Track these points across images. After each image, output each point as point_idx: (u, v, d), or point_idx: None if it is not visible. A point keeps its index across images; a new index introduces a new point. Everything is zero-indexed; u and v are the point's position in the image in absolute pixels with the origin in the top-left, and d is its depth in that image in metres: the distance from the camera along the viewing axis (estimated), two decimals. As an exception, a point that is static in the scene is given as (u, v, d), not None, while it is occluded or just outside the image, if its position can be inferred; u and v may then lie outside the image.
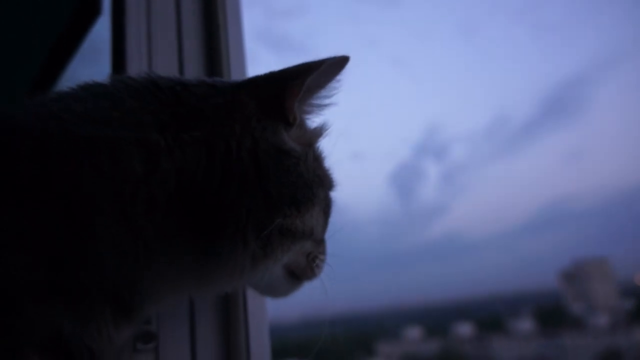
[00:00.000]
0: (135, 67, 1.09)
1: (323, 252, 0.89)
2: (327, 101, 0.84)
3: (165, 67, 1.12)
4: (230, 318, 0.93)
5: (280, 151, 0.75)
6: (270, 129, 0.74)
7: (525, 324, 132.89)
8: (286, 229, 0.74)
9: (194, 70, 1.16)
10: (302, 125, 0.83)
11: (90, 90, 0.73)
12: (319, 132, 0.85)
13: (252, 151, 0.72)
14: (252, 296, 0.97)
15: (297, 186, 0.75)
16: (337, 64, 0.80)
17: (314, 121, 0.86)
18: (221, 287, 0.81)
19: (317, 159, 0.84)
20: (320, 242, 0.88)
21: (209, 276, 0.74)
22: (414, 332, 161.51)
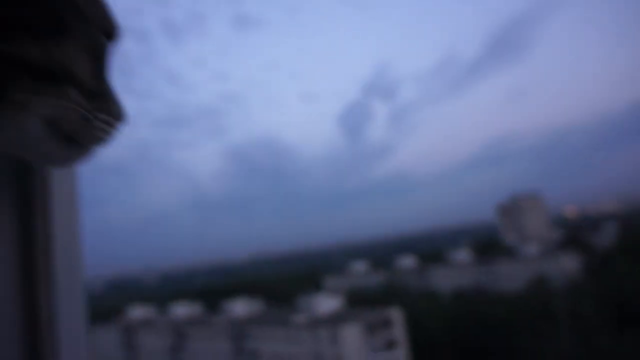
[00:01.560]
0: None
1: (104, 112, 0.66)
2: None
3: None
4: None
5: None
6: None
7: (463, 255, 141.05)
8: (21, 61, 0.53)
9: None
10: None
11: None
12: None
13: None
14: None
15: (33, 4, 0.55)
16: None
17: None
18: None
19: None
20: (98, 97, 0.66)
21: None
22: (359, 266, 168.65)
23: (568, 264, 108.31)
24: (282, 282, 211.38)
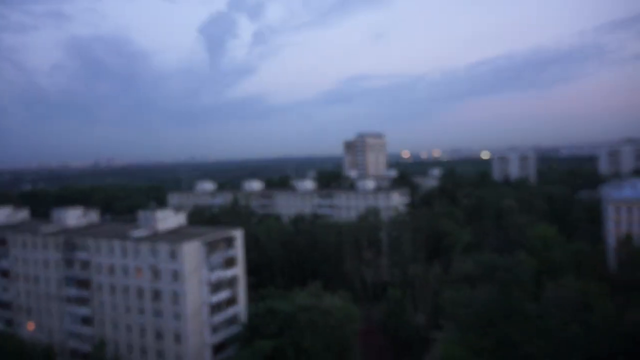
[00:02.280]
0: None
1: None
2: None
3: None
4: None
5: None
6: None
7: (308, 184, 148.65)
8: None
9: None
10: None
11: None
12: None
13: None
14: None
15: None
16: None
17: None
18: None
19: None
20: None
21: None
22: (206, 186, 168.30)
23: (397, 201, 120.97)
24: (123, 194, 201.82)
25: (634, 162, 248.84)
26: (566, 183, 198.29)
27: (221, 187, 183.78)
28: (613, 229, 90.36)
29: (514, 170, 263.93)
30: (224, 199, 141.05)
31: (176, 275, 55.66)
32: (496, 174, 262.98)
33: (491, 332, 45.41)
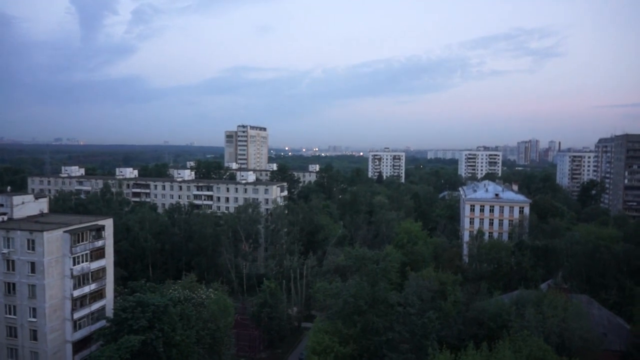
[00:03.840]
0: None
1: None
2: None
3: None
4: None
5: None
6: None
7: (186, 174, 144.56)
8: None
9: None
10: None
11: None
12: None
13: None
14: None
15: None
16: None
17: None
18: None
19: None
20: None
21: None
22: (73, 170, 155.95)
23: (276, 194, 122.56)
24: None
25: (487, 166, 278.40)
26: (431, 183, 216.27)
27: (91, 172, 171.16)
28: (467, 225, 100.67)
29: (386, 169, 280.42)
30: (93, 186, 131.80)
31: (34, 268, 51.07)
32: (371, 171, 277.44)
33: (358, 320, 48.38)
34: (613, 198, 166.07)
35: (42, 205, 62.51)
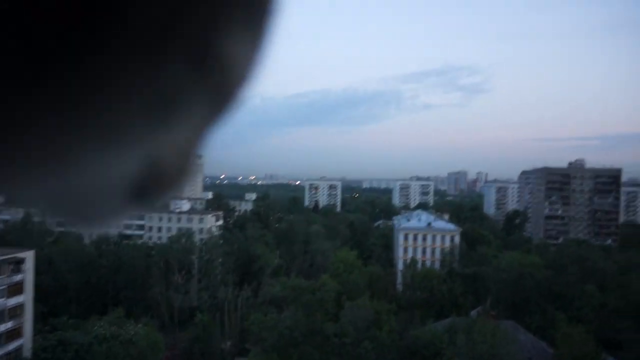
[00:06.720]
0: None
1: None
2: None
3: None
4: None
5: None
6: None
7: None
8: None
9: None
10: None
11: None
12: None
13: None
14: None
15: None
16: None
17: None
18: None
19: None
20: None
21: None
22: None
23: (211, 223, 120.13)
24: None
25: (420, 196, 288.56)
26: (366, 212, 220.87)
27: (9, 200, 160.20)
28: (401, 254, 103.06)
29: (323, 198, 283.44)
30: (12, 215, 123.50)
31: (-59, 305, 46.86)
32: (307, 200, 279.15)
33: (293, 352, 47.83)
34: (535, 227, 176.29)
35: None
